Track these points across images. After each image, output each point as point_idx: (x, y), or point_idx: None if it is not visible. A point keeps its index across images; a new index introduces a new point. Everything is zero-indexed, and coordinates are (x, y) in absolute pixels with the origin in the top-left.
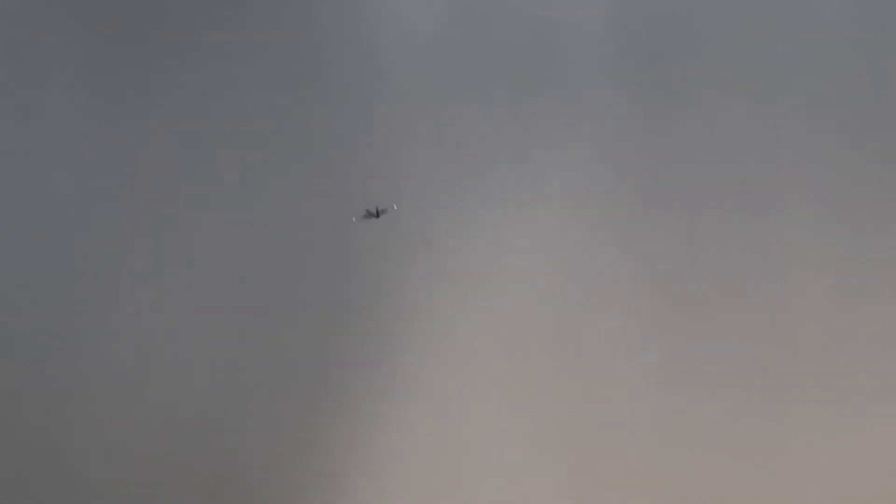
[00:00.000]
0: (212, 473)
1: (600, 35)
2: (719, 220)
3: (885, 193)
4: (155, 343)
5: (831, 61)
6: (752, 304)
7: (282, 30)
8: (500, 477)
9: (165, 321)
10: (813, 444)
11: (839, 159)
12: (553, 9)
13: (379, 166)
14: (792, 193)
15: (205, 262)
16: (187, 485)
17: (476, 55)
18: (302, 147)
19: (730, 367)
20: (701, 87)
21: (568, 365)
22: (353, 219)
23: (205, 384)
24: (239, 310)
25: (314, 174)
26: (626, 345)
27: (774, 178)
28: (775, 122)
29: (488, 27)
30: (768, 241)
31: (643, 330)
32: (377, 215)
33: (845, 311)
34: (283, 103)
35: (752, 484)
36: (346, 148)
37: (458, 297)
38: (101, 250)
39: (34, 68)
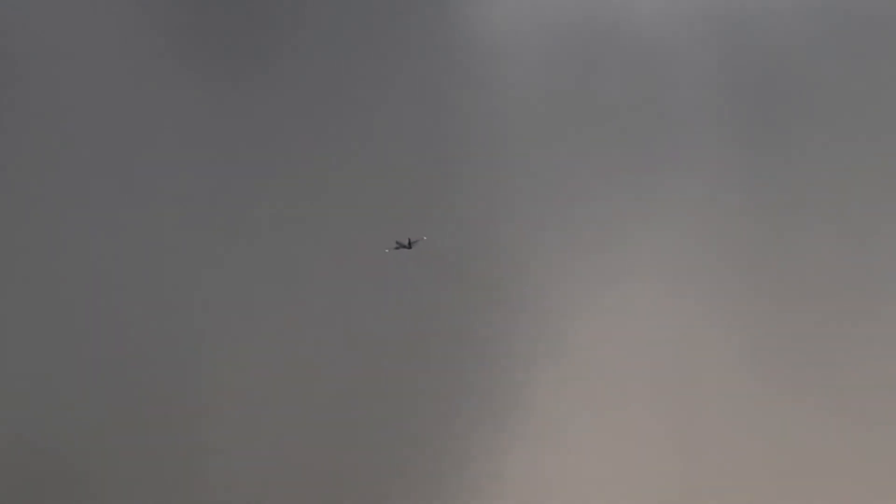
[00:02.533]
0: (335, 473)
1: (708, 83)
2: (824, 262)
3: None
4: (284, 347)
5: None
6: (854, 338)
7: (398, 69)
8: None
9: (286, 325)
10: None
11: None
12: (661, 57)
13: (491, 204)
14: None
15: (322, 269)
16: (315, 483)
17: (584, 101)
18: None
19: (834, 397)
20: (806, 136)
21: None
22: (386, 250)
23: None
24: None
25: (423, 202)
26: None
27: (878, 222)
28: (878, 169)
29: (597, 74)
30: (871, 281)
31: (749, 365)
32: (409, 246)
33: None
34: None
35: None
36: (455, 188)
37: (575, 329)
38: (231, 252)
39: (156, 89)
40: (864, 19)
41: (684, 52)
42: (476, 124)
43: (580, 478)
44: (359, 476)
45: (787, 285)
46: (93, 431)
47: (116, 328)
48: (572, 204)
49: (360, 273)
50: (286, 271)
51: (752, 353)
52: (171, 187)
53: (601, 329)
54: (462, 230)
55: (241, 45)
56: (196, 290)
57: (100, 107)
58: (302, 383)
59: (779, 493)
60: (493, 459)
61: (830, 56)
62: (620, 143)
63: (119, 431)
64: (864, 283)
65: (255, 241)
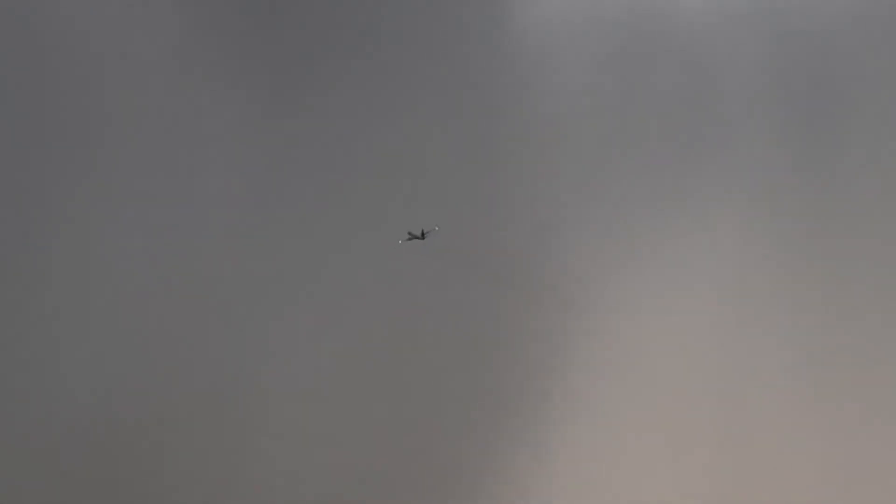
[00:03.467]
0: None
1: (759, 82)
2: (880, 268)
3: None
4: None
5: None
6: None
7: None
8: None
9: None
10: None
11: None
12: (710, 56)
13: (535, 205)
14: None
15: (366, 268)
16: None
17: (631, 101)
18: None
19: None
20: (860, 137)
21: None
22: (399, 241)
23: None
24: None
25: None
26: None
27: None
28: None
29: (644, 71)
30: None
31: (802, 375)
32: (422, 237)
33: None
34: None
35: None
36: (502, 188)
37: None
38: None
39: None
40: None
41: (734, 50)
42: (521, 122)
43: (630, 483)
44: (403, 479)
45: (840, 291)
46: (150, 429)
47: (165, 326)
48: (617, 204)
49: (405, 273)
50: (332, 270)
51: (805, 361)
52: (220, 189)
53: (650, 332)
54: (509, 231)
55: (286, 48)
56: (242, 289)
57: (144, 108)
58: (347, 378)
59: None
60: (540, 460)
61: (886, 53)
62: (667, 142)
63: (169, 431)
64: None
65: (303, 240)
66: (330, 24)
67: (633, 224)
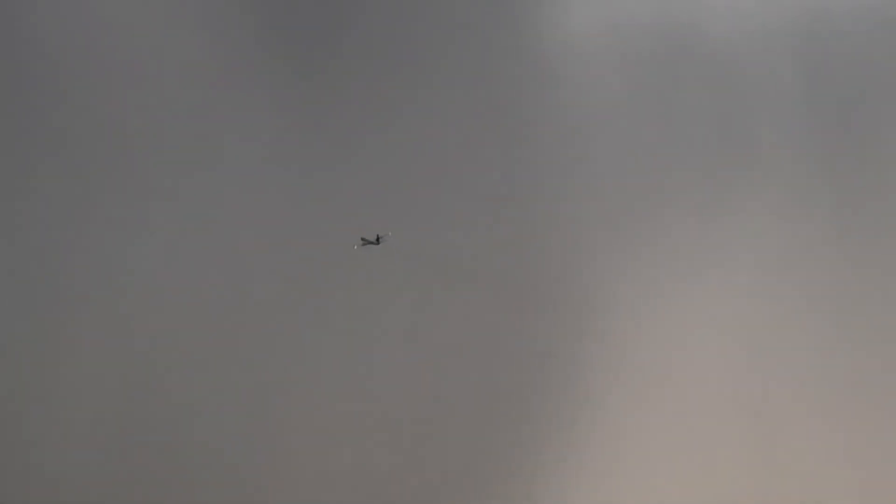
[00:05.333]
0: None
1: (791, 95)
2: None
3: None
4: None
5: None
6: None
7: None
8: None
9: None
10: None
11: None
12: (741, 68)
13: (565, 214)
14: None
15: (416, 274)
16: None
17: (660, 111)
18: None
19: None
20: (886, 165)
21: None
22: (355, 247)
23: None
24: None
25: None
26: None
27: None
28: None
29: (674, 82)
30: None
31: (839, 397)
32: (377, 242)
33: None
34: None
35: None
36: (529, 197)
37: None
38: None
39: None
40: None
41: (764, 67)
42: (548, 131)
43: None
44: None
45: (876, 312)
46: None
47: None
48: (648, 217)
49: (455, 282)
50: (371, 276)
51: (843, 379)
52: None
53: (677, 340)
54: (538, 243)
55: (325, 46)
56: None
57: (185, 106)
58: (380, 378)
59: None
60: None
61: None
62: (697, 155)
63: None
64: None
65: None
66: (365, 42)
67: (660, 238)
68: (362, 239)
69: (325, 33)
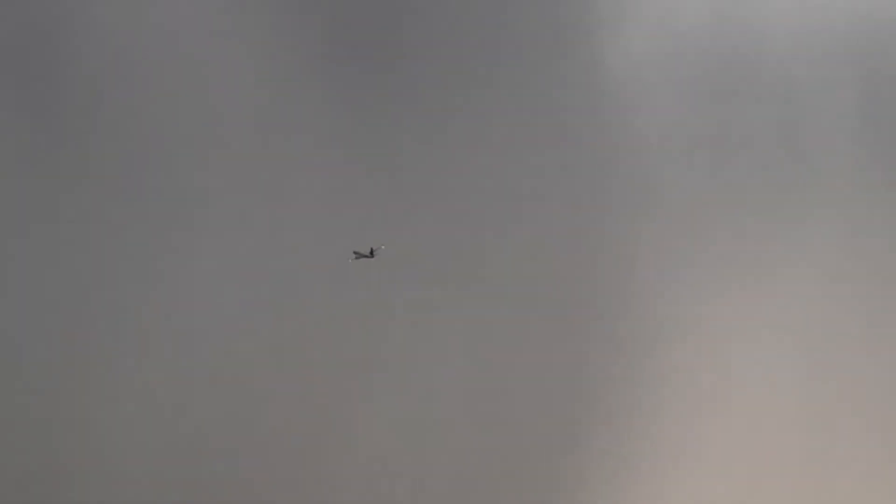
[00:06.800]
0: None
1: (848, 119)
2: None
3: None
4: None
5: None
6: None
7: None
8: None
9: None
10: None
11: None
12: (799, 92)
13: (620, 238)
14: None
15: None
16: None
17: (718, 134)
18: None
19: None
20: None
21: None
22: (350, 260)
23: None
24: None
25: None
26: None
27: None
28: None
29: (732, 106)
30: None
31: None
32: (371, 255)
33: None
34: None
35: None
36: (586, 222)
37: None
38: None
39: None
40: None
41: (824, 86)
42: (606, 157)
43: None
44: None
45: None
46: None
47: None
48: (705, 240)
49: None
50: (423, 276)
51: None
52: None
53: (742, 360)
54: (603, 261)
55: (370, 53)
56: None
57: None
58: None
59: None
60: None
61: None
62: (755, 179)
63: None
64: None
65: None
66: (430, 67)
67: (723, 259)
68: (355, 252)
69: (381, 41)
